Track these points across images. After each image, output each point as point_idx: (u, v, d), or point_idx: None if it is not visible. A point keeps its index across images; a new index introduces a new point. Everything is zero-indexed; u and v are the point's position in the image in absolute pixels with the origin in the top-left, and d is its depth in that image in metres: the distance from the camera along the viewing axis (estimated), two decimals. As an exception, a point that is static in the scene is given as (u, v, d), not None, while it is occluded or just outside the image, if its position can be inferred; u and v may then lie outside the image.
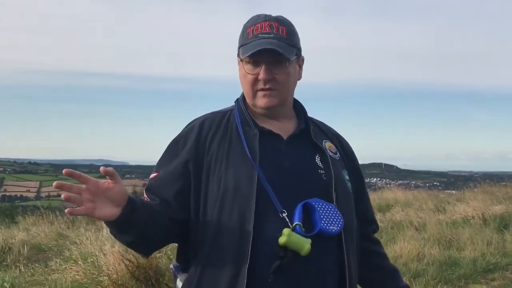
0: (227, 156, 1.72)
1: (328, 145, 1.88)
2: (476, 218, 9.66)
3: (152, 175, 1.80)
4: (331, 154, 1.84)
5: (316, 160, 1.79)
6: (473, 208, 10.20)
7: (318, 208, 1.66)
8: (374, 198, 13.36)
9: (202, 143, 1.76)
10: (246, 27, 1.79)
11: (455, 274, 6.52)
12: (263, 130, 1.78)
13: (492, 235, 8.31)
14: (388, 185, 19.45)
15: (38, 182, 71.03)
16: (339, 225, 1.67)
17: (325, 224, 1.65)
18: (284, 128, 1.83)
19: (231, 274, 1.62)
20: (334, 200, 1.72)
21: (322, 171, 1.77)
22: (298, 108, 1.91)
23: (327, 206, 1.68)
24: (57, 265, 6.41)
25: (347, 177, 1.86)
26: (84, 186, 1.45)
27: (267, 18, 1.78)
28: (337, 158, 1.86)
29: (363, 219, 1.93)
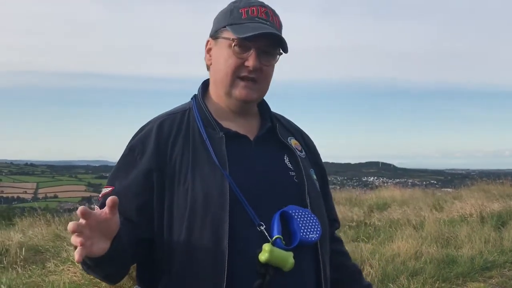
0: (192, 165, 1.54)
1: (293, 142, 1.75)
2: (473, 216, 9.66)
3: (106, 190, 1.58)
4: (298, 152, 1.72)
5: (285, 161, 1.67)
6: (471, 206, 10.20)
7: (296, 216, 1.54)
8: (371, 197, 13.37)
9: (163, 149, 1.57)
10: (237, 7, 1.64)
11: (453, 272, 6.52)
12: (229, 132, 1.62)
13: (490, 232, 8.32)
14: (385, 184, 19.43)
15: (35, 184, 70.88)
16: (318, 232, 1.56)
17: (304, 233, 1.53)
18: (249, 127, 1.69)
19: None
20: (308, 204, 1.61)
21: (293, 173, 1.65)
22: (262, 105, 1.77)
23: (303, 213, 1.56)
24: (55, 266, 6.38)
25: (314, 176, 1.74)
26: (84, 222, 1.26)
27: (262, 4, 1.65)
28: (304, 157, 1.74)
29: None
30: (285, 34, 1.67)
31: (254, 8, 1.62)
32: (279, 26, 1.65)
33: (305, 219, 1.56)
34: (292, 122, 1.87)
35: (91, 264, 1.39)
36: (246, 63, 1.59)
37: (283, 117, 1.85)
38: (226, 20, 1.64)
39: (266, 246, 1.46)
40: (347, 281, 1.85)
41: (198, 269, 1.47)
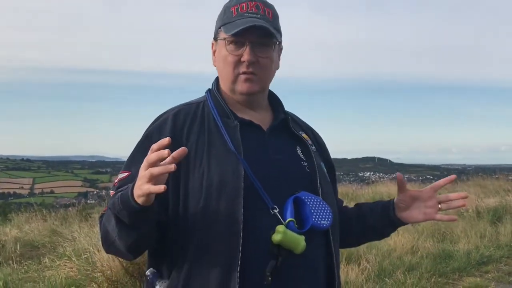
0: (208, 151, 1.60)
1: (304, 136, 1.81)
2: (469, 211, 9.69)
3: (123, 175, 1.62)
4: (309, 145, 1.78)
5: (298, 151, 1.73)
6: (467, 201, 10.22)
7: (308, 202, 1.59)
8: (368, 192, 13.40)
9: (179, 137, 1.62)
10: (228, 7, 1.70)
11: (449, 267, 6.54)
12: (244, 121, 1.68)
13: (486, 227, 8.38)
14: (382, 179, 19.46)
15: (31, 179, 70.81)
16: (329, 219, 1.61)
17: (316, 219, 1.58)
18: (262, 119, 1.75)
19: (222, 278, 1.50)
20: (320, 193, 1.66)
21: (305, 163, 1.71)
22: (274, 100, 1.83)
23: (315, 200, 1.61)
24: (51, 261, 6.38)
25: (325, 169, 1.81)
26: (159, 153, 1.31)
27: None
28: (314, 150, 1.80)
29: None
30: (282, 27, 1.70)
31: (244, 4, 1.67)
32: (271, 17, 1.69)
33: (317, 205, 1.61)
34: (303, 121, 1.93)
35: (130, 220, 1.41)
36: (242, 59, 1.65)
37: (295, 115, 1.90)
38: (220, 21, 1.71)
39: (280, 228, 1.51)
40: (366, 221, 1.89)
41: (213, 250, 1.52)
